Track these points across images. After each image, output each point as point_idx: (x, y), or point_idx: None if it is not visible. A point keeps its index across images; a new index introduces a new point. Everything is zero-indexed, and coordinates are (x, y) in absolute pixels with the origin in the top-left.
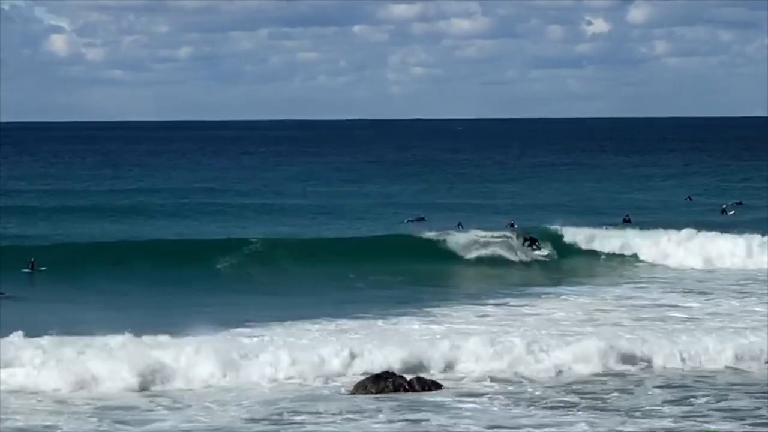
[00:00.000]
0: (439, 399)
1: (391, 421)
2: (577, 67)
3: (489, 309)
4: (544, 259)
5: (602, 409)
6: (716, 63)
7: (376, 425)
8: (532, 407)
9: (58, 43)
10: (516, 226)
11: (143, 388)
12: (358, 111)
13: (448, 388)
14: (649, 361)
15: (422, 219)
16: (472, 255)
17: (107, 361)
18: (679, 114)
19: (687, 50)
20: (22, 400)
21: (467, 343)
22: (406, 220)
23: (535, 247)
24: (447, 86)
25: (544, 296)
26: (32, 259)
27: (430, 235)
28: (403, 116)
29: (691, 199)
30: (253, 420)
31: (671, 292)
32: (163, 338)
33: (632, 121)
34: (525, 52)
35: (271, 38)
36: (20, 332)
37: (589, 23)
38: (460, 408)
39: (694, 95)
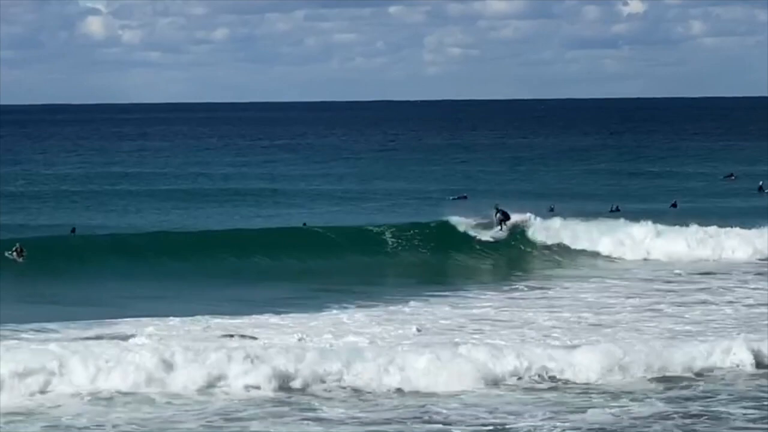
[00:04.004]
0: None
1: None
2: (614, 48)
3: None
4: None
5: None
6: (753, 43)
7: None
8: None
9: (94, 26)
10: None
11: None
12: (395, 92)
13: None
14: None
15: (465, 197)
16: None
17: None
18: (716, 94)
19: (724, 30)
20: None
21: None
22: (450, 197)
23: (502, 224)
24: (483, 67)
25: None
26: (73, 228)
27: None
28: (439, 97)
29: (733, 177)
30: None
31: None
32: None
33: (669, 101)
34: (561, 33)
35: (307, 19)
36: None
37: (626, 3)
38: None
39: (731, 75)
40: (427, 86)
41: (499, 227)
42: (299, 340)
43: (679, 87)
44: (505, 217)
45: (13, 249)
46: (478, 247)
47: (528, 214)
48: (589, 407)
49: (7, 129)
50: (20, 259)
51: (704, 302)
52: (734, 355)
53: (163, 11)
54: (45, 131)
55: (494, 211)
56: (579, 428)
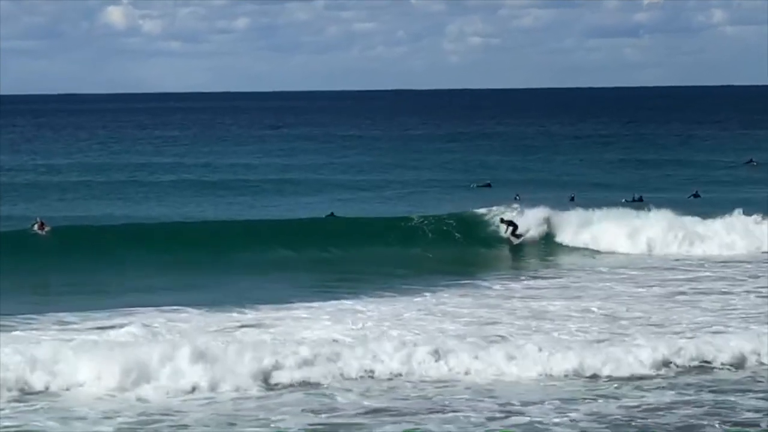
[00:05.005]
0: None
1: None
2: (635, 36)
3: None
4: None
5: None
6: None
7: (411, 395)
8: None
9: (114, 15)
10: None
11: None
12: (416, 81)
13: None
14: None
15: (488, 185)
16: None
17: None
18: (736, 82)
19: (744, 19)
20: None
21: None
22: (473, 185)
23: (514, 236)
24: (504, 56)
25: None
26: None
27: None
28: (460, 86)
29: (754, 163)
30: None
31: None
32: None
33: (689, 89)
34: (582, 22)
35: (327, 8)
36: None
37: None
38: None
39: (751, 64)
40: (448, 75)
41: (515, 238)
42: (339, 336)
43: (699, 75)
44: (514, 227)
45: (33, 223)
46: (501, 237)
47: (551, 210)
48: (600, 397)
49: (26, 119)
50: (43, 232)
51: (723, 292)
52: (745, 345)
53: (183, 1)
54: (64, 121)
55: (502, 224)
56: (589, 419)
